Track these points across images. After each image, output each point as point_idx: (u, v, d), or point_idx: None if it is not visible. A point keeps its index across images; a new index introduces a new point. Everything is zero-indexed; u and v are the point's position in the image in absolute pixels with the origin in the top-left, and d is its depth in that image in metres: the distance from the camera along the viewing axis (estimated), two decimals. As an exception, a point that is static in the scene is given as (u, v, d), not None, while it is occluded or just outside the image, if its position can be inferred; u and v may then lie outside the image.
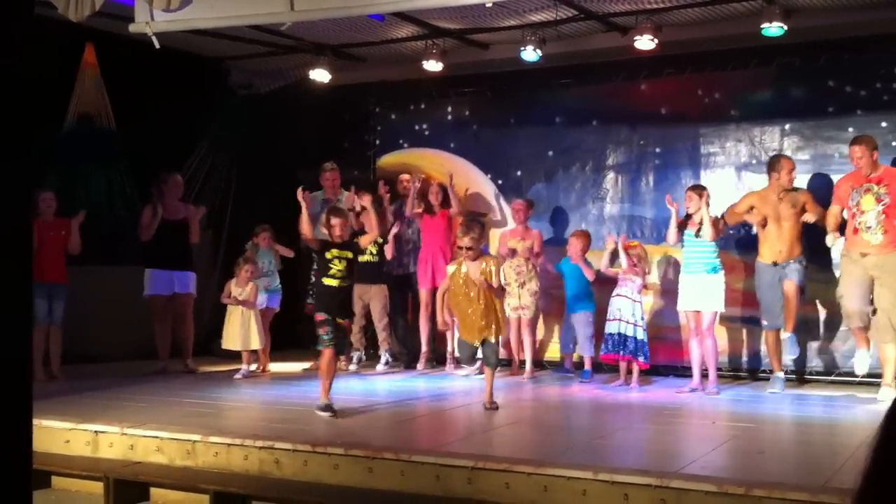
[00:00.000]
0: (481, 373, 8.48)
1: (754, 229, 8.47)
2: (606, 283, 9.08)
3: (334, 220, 7.02)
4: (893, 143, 8.59)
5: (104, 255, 9.53)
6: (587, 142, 10.03)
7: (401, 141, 11.00)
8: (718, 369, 8.40)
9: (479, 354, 7.64)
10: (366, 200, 8.37)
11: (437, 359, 9.84)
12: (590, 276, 8.99)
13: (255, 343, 9.23)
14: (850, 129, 8.25)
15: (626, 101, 9.83)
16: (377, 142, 11.17)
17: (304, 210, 7.26)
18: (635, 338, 8.53)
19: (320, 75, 10.20)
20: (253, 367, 9.35)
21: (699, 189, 8.39)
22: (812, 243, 8.18)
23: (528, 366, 9.25)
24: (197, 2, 7.84)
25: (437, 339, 9.79)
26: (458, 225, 8.55)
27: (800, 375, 8.75)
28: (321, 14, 8.21)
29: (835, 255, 8.19)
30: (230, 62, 10.88)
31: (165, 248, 9.36)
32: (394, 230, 9.52)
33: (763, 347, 8.66)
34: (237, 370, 9.20)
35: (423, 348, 9.74)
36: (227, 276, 9.45)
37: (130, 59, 9.20)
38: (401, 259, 9.92)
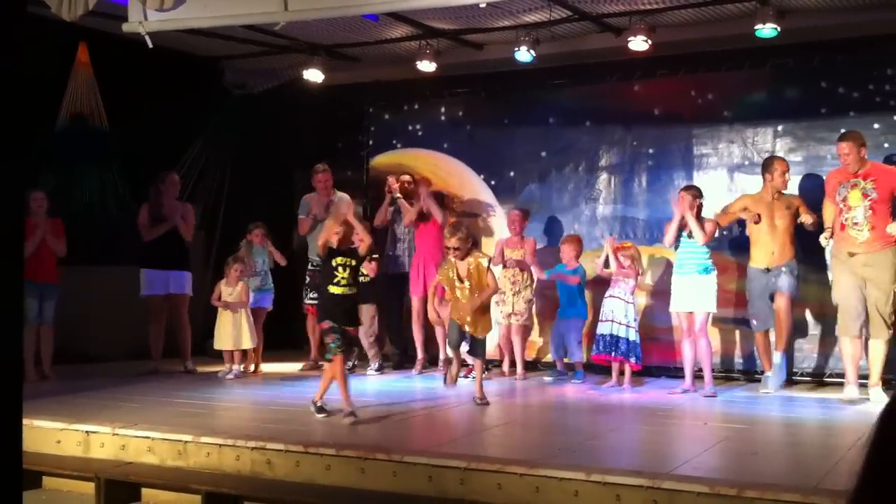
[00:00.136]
0: (467, 375, 8.51)
1: (747, 230, 8.47)
2: (600, 285, 9.09)
3: (339, 228, 6.95)
4: (886, 145, 8.61)
5: (97, 254, 9.51)
6: (581, 142, 10.03)
7: (394, 141, 10.99)
8: (711, 370, 8.39)
9: (465, 355, 7.75)
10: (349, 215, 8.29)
11: (430, 360, 9.83)
12: (573, 281, 9.01)
13: (247, 342, 9.22)
14: (843, 131, 8.24)
15: (620, 102, 9.84)
16: (370, 142, 11.16)
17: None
18: (627, 339, 8.54)
19: (314, 75, 10.20)
20: (242, 366, 9.34)
21: (692, 190, 8.37)
22: (805, 244, 8.19)
23: (519, 368, 9.28)
24: (190, 1, 7.81)
25: (430, 343, 9.79)
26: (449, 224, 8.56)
27: (791, 377, 8.74)
28: (315, 14, 8.19)
29: (829, 255, 8.18)
30: (224, 62, 10.86)
31: (161, 247, 9.34)
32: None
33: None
34: (224, 370, 9.20)
35: (419, 355, 9.73)
36: (219, 277, 9.43)
37: (124, 58, 9.18)
38: (395, 258, 9.91)
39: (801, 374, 8.82)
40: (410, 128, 10.95)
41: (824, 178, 8.26)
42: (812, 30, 8.60)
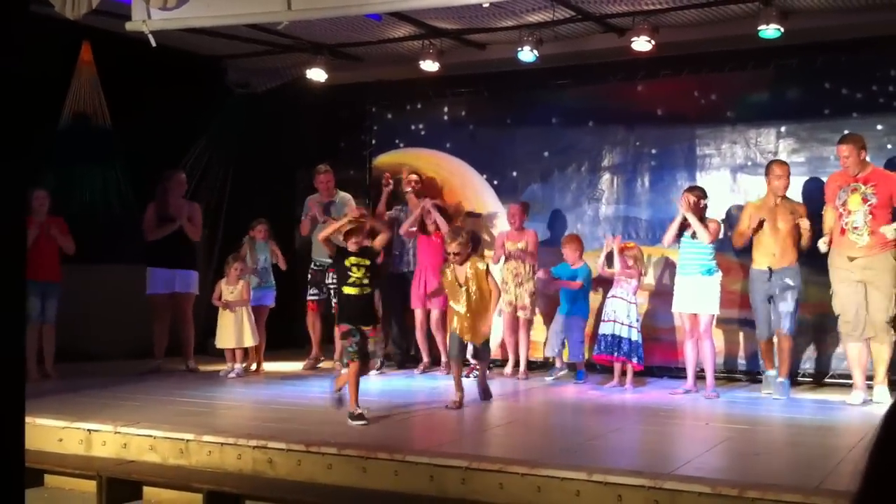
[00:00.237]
0: (468, 375, 8.52)
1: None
2: (602, 285, 9.10)
3: (353, 229, 6.92)
4: (889, 146, 8.60)
5: (100, 253, 9.52)
6: (583, 142, 10.02)
7: (397, 141, 10.99)
8: (714, 372, 8.37)
9: (469, 355, 7.76)
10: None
11: (433, 361, 9.83)
12: (574, 286, 9.00)
13: (249, 340, 9.22)
14: (846, 132, 8.22)
15: (623, 102, 9.83)
16: (373, 141, 11.16)
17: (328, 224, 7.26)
18: (629, 339, 8.53)
19: (317, 74, 10.20)
20: (244, 365, 9.35)
21: (696, 191, 8.35)
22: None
23: (522, 366, 9.29)
24: (194, 0, 7.82)
25: (434, 347, 9.79)
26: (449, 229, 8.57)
27: (793, 378, 8.72)
28: (318, 13, 8.19)
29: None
30: (227, 61, 10.87)
31: (168, 246, 9.36)
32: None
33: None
34: (226, 369, 9.21)
35: (424, 359, 9.75)
36: (220, 276, 9.43)
37: (127, 57, 9.20)
38: (400, 257, 9.90)
39: (803, 375, 8.80)
40: (413, 127, 10.95)
41: (826, 179, 8.23)
42: (815, 30, 8.59)
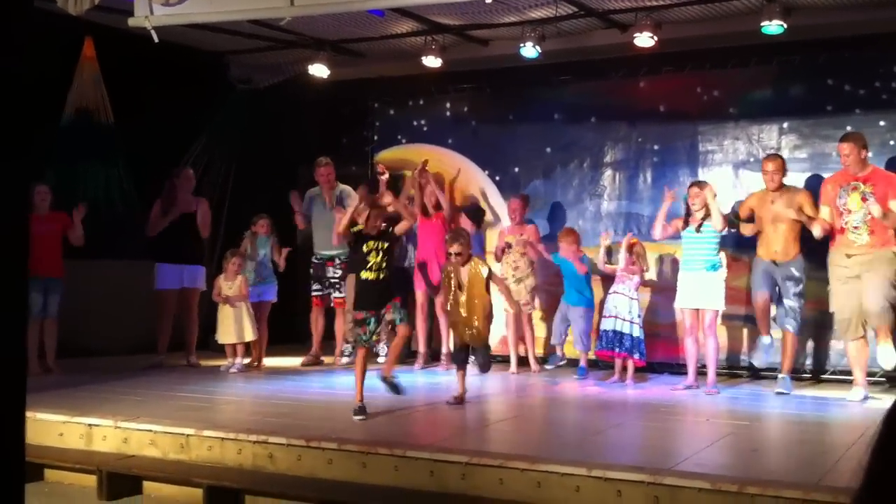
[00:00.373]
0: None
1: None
2: (604, 280, 9.09)
3: (371, 212, 6.89)
4: (892, 143, 8.59)
5: (103, 249, 9.53)
6: (586, 139, 10.02)
7: (399, 136, 11.00)
8: (716, 368, 8.36)
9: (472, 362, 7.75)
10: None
11: (432, 355, 9.84)
12: (581, 270, 8.99)
13: (249, 335, 9.23)
14: (849, 128, 8.21)
15: (625, 99, 9.83)
16: (375, 137, 11.16)
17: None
18: (631, 335, 8.53)
19: (319, 70, 10.19)
20: (246, 360, 9.36)
21: (702, 184, 8.34)
22: (809, 242, 8.14)
23: (532, 362, 9.33)
24: (196, -4, 7.84)
25: (434, 338, 9.80)
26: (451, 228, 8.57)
27: (794, 374, 8.72)
28: (321, 9, 8.20)
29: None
30: (229, 56, 10.87)
31: (176, 242, 9.38)
32: None
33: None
34: (227, 364, 9.24)
35: (421, 349, 9.74)
36: (220, 272, 9.43)
37: (129, 53, 9.19)
38: (402, 249, 9.90)
39: (804, 372, 8.80)
40: (415, 123, 10.95)
41: (828, 175, 8.20)
42: (818, 27, 8.57)
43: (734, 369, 9.14)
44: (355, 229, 6.84)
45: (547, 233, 9.89)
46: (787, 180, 8.27)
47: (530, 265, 9.33)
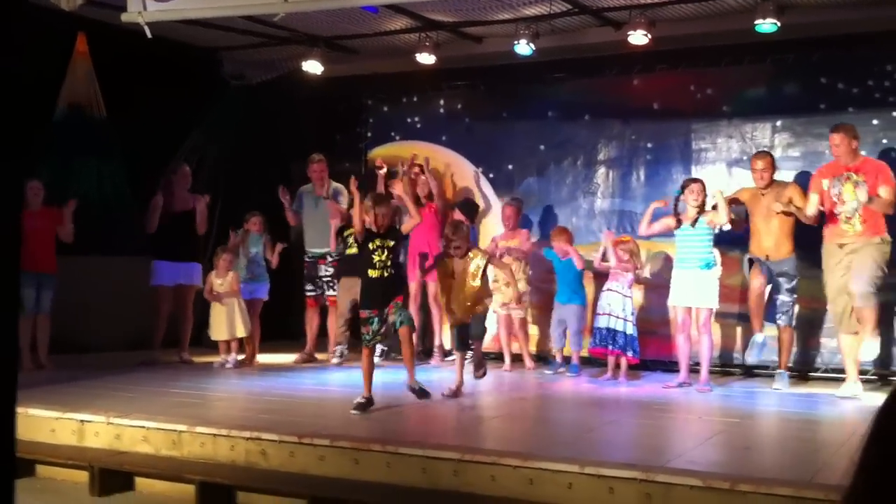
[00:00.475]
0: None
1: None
2: (598, 277, 9.09)
3: (378, 209, 6.84)
4: (884, 141, 8.60)
5: (98, 245, 9.51)
6: (579, 136, 10.02)
7: (393, 133, 10.99)
8: (710, 366, 8.36)
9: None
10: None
11: (425, 351, 9.83)
12: (579, 264, 8.98)
13: (241, 331, 9.22)
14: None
15: (619, 96, 9.83)
16: (369, 134, 11.15)
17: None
18: (625, 333, 8.53)
19: (313, 67, 10.17)
20: (241, 356, 9.35)
21: (700, 182, 8.31)
22: (802, 240, 8.15)
23: (527, 360, 9.35)
24: (189, -9, 7.81)
25: (426, 333, 9.80)
26: (448, 221, 8.54)
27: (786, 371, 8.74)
28: (314, 5, 8.19)
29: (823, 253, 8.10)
30: (222, 53, 10.83)
31: (172, 238, 9.40)
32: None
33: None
34: (221, 361, 9.23)
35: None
36: (213, 269, 9.42)
37: (122, 48, 9.16)
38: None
39: (796, 369, 8.80)
40: (409, 120, 10.95)
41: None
42: (812, 25, 8.58)
43: (727, 367, 9.15)
44: (346, 233, 6.82)
45: (540, 232, 9.89)
46: (779, 178, 8.29)
47: (522, 270, 9.33)
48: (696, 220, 8.13)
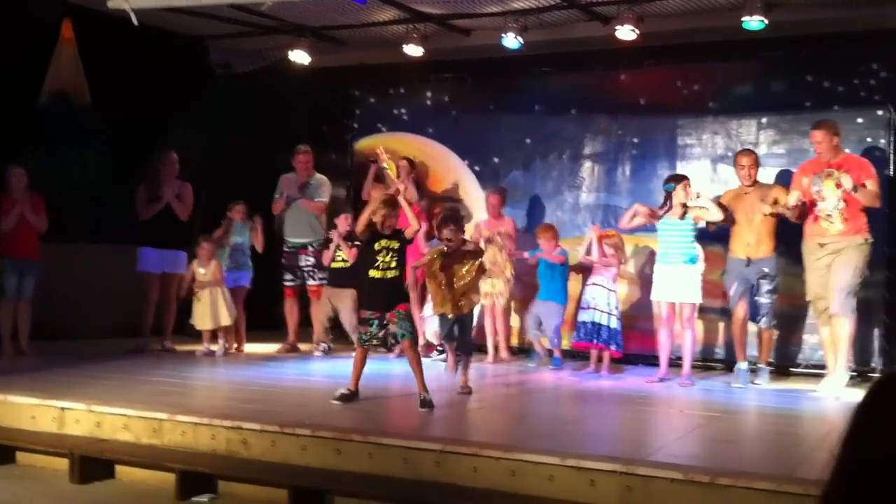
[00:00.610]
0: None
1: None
2: (582, 272, 9.11)
3: (386, 210, 6.74)
4: (869, 139, 8.64)
5: (83, 232, 9.48)
6: (566, 130, 10.03)
7: (379, 125, 10.98)
8: (692, 361, 8.39)
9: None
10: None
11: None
12: (557, 260, 8.99)
13: (225, 319, 9.20)
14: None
15: (606, 91, 9.86)
16: (356, 125, 11.14)
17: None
18: (609, 326, 8.55)
19: (300, 57, 10.14)
20: (227, 345, 9.32)
21: (686, 178, 8.31)
22: (785, 237, 8.18)
23: (503, 351, 9.34)
24: (176, -22, 7.77)
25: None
26: (435, 216, 8.49)
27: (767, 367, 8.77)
28: (302, -6, 8.16)
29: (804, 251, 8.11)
30: (209, 41, 10.78)
31: (158, 226, 9.38)
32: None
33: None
34: (203, 350, 9.22)
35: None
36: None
37: (108, 35, 9.10)
38: None
39: (777, 365, 8.84)
40: (396, 112, 10.93)
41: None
42: (799, 23, 8.61)
43: (708, 361, 9.19)
44: (372, 224, 6.70)
45: (525, 224, 9.90)
46: (764, 174, 8.31)
47: (508, 258, 9.34)
48: (684, 213, 8.12)
